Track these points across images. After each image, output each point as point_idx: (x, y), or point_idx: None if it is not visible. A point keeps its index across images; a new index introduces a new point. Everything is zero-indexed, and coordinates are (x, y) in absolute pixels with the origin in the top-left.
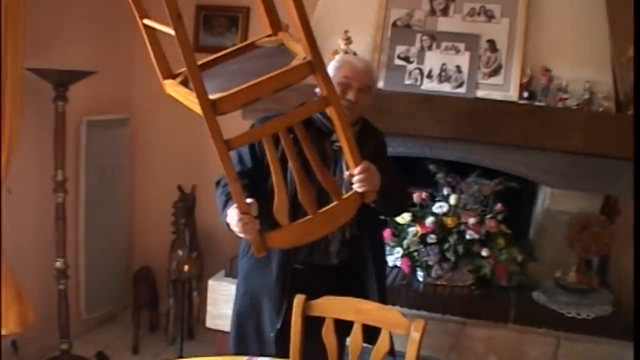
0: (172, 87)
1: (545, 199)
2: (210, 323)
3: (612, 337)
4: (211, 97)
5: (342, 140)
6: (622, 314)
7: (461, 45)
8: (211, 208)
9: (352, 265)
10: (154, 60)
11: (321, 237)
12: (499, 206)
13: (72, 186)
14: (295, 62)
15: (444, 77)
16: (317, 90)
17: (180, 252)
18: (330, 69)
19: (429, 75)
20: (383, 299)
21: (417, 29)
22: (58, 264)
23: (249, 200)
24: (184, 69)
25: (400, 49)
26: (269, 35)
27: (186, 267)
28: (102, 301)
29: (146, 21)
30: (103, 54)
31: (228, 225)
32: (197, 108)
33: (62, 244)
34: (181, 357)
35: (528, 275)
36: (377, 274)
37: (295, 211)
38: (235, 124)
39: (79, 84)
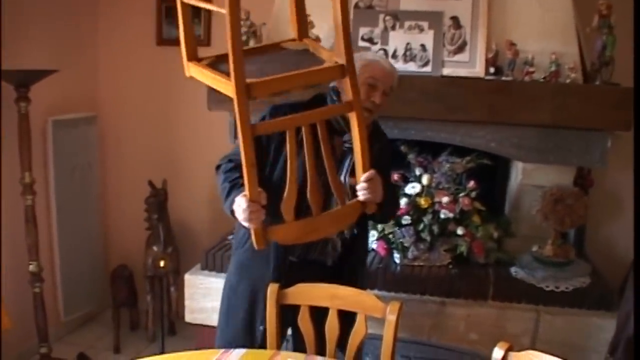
0: (198, 69)
1: (518, 174)
2: (189, 317)
3: (591, 309)
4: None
5: (357, 146)
6: (600, 285)
7: (425, 24)
8: (185, 202)
9: (346, 264)
10: (182, 39)
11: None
12: (472, 184)
13: (41, 188)
14: (328, 64)
15: (409, 56)
16: (333, 84)
17: (155, 248)
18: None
19: (394, 56)
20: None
21: (379, 9)
22: (31, 268)
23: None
24: (209, 56)
25: (363, 31)
26: (294, 40)
27: (162, 263)
28: (80, 302)
29: None
30: (65, 52)
31: (232, 212)
32: (226, 89)
33: (34, 247)
34: (163, 353)
35: (505, 251)
36: (362, 268)
37: (299, 209)
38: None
39: (42, 84)
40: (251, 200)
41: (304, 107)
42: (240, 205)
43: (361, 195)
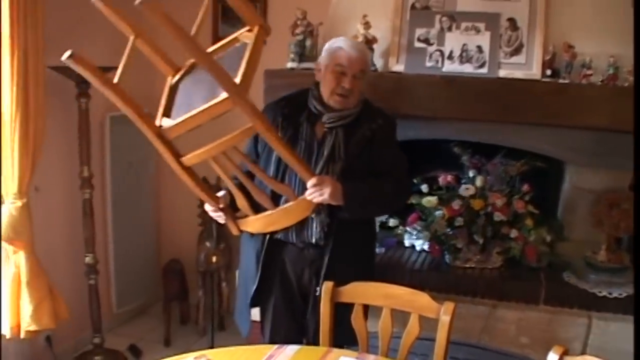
0: None
1: (572, 177)
2: None
3: None
4: (158, 123)
5: (288, 160)
6: None
7: (481, 25)
8: None
9: (335, 246)
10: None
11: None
12: (525, 186)
13: (98, 182)
14: (218, 98)
15: (465, 57)
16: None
17: (207, 244)
18: (324, 55)
19: (450, 57)
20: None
21: (436, 10)
22: (87, 260)
23: (220, 194)
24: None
25: (419, 32)
26: (249, 30)
27: (214, 259)
28: (132, 295)
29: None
30: (124, 49)
31: None
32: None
33: (91, 240)
34: (212, 347)
35: (558, 255)
36: (359, 256)
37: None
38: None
39: None
40: (212, 206)
41: (290, 100)
42: (208, 209)
43: (309, 198)
